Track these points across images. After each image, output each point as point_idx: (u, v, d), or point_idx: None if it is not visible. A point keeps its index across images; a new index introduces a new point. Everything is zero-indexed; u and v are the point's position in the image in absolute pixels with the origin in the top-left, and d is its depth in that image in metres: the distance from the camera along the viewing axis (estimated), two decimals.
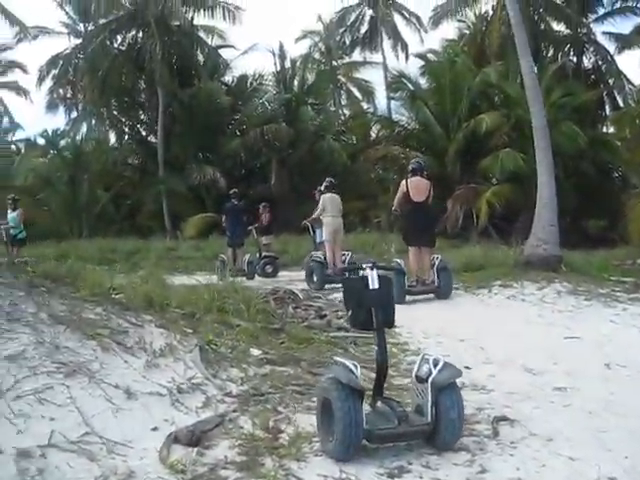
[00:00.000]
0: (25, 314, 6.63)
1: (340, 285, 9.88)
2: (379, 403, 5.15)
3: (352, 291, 5.33)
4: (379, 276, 5.12)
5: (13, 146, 45.38)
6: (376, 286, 5.07)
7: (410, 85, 30.66)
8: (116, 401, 5.81)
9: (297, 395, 6.37)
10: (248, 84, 35.18)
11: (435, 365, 4.93)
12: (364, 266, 5.21)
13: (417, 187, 12.53)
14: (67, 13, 40.13)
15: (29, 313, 6.66)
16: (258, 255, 18.76)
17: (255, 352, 7.59)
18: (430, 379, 4.87)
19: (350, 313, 5.33)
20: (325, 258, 14.91)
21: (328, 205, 15.44)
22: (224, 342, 7.60)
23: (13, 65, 49.31)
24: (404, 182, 12.72)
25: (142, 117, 36.59)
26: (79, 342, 6.50)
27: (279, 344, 8.17)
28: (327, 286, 14.25)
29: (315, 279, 14.93)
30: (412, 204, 12.52)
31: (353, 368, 4.91)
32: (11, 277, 7.12)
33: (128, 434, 5.33)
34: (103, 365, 6.28)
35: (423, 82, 31.28)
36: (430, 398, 4.83)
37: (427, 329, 9.60)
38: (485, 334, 9.36)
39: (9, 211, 18.17)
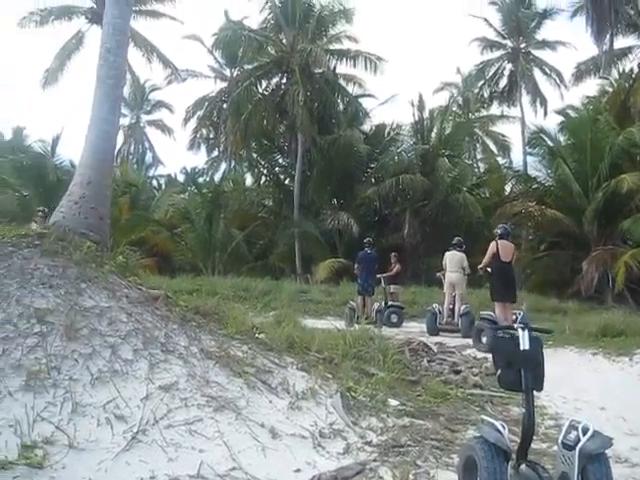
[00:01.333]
0: (178, 347, 6.93)
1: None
2: (523, 466, 5.03)
3: (502, 350, 5.26)
4: (530, 337, 5.05)
5: (154, 181, 47.57)
6: (527, 347, 4.99)
7: (549, 141, 30.06)
8: (261, 439, 5.97)
9: (436, 450, 6.32)
10: (386, 133, 35.50)
11: (584, 432, 4.76)
12: (515, 326, 5.15)
13: (505, 249, 13.53)
14: (215, 58, 42.10)
15: (182, 346, 6.96)
16: (384, 304, 18.74)
17: (393, 402, 7.60)
18: (578, 447, 4.68)
19: (499, 372, 5.25)
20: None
21: (447, 261, 16.66)
22: (363, 390, 7.64)
23: (161, 105, 52.09)
24: (494, 244, 13.61)
25: (280, 161, 37.51)
26: (227, 378, 6.73)
27: (416, 396, 8.14)
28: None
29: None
30: (500, 263, 13.46)
31: (501, 428, 4.83)
32: (166, 310, 7.45)
33: (272, 473, 5.46)
34: (249, 402, 6.48)
35: (562, 139, 30.64)
36: (577, 467, 4.65)
37: (565, 393, 9.33)
38: (627, 404, 8.98)
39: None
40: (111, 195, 9.67)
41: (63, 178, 26.79)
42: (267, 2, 34.32)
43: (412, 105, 34.50)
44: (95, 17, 32.90)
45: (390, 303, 19.02)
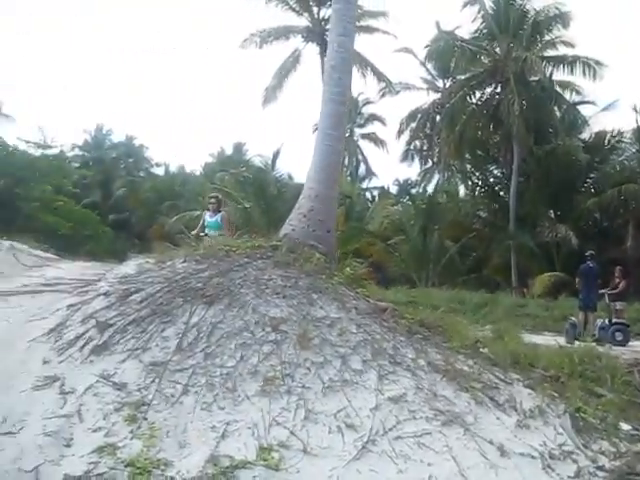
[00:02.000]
0: (406, 359, 6.99)
1: None
2: None
3: None
4: None
5: (368, 193, 48.39)
6: None
7: None
8: (490, 456, 5.88)
9: None
10: (606, 141, 33.81)
11: None
12: None
13: None
14: (428, 70, 42.18)
15: (409, 358, 7.01)
16: (608, 321, 17.86)
17: (625, 427, 7.19)
18: None
19: None
20: None
21: None
22: (592, 412, 7.29)
23: (374, 118, 52.86)
24: None
25: (495, 171, 36.86)
26: (454, 392, 6.70)
27: None
28: None
29: None
30: None
31: None
32: (393, 322, 7.55)
33: None
34: (477, 418, 6.41)
35: None
36: None
37: None
38: None
39: (208, 213, 12.66)
40: (337, 208, 9.93)
41: (282, 191, 27.99)
42: (479, 11, 33.84)
43: (635, 111, 32.53)
44: (310, 35, 34.18)
45: (614, 320, 18.05)
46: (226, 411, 6.07)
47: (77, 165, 51.89)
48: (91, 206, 44.01)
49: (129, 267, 8.32)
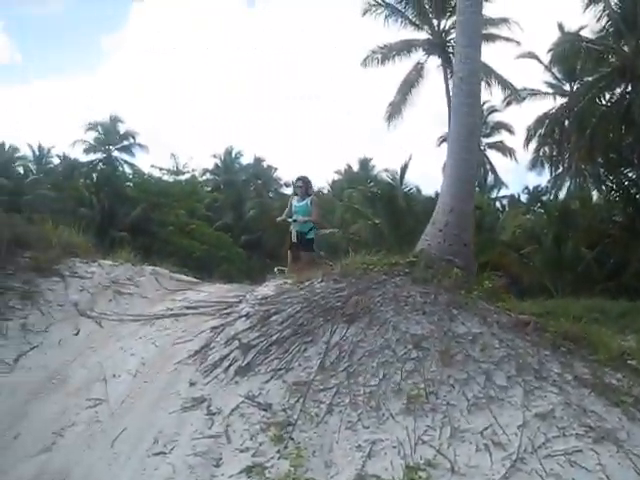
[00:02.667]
0: (552, 373, 6.75)
1: None
2: None
3: None
4: None
5: (497, 203, 47.50)
6: None
7: None
8: None
9: None
10: None
11: None
12: None
13: None
14: (553, 74, 41.02)
15: (555, 373, 6.76)
16: None
17: None
18: None
19: None
20: None
21: None
22: None
23: (500, 126, 51.92)
24: None
25: (629, 174, 35.39)
26: (604, 407, 6.39)
27: None
28: None
29: None
30: None
31: None
32: (536, 335, 7.31)
33: None
34: (630, 435, 6.08)
35: None
36: None
37: None
38: None
39: (296, 198, 11.91)
40: (474, 221, 9.76)
41: (412, 205, 27.83)
42: (604, 9, 32.62)
43: None
44: (431, 48, 33.93)
45: None
46: (371, 430, 6.05)
47: (209, 189, 53.67)
48: (224, 228, 45.44)
49: (268, 288, 8.45)
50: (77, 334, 8.05)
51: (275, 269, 11.68)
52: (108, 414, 6.55)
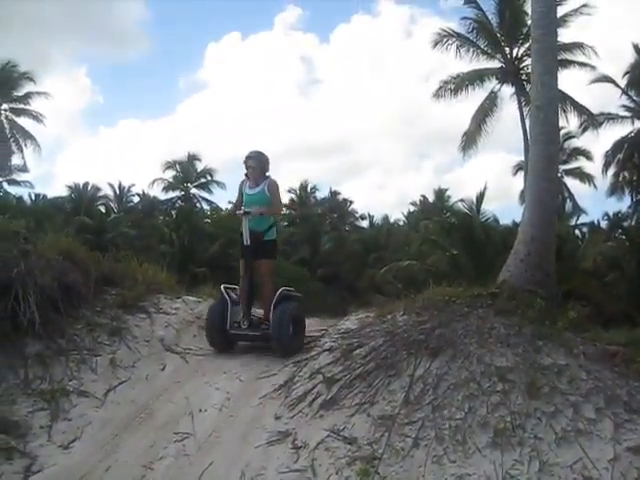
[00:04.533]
0: None
1: None
2: None
3: None
4: None
5: (577, 230, 46.52)
6: None
7: None
8: None
9: None
10: None
11: None
12: None
13: None
14: (630, 97, 40.16)
15: None
16: None
17: None
18: None
19: None
20: None
21: None
22: None
23: (577, 152, 50.96)
24: None
25: None
26: None
27: None
28: None
29: None
30: None
31: None
32: (624, 366, 7.12)
33: None
34: None
35: None
36: None
37: None
38: None
39: (248, 184, 8.74)
40: (555, 251, 9.63)
41: (490, 235, 27.47)
42: None
43: None
44: (504, 76, 33.68)
45: None
46: (457, 464, 6.00)
47: (285, 223, 54.24)
48: (300, 262, 45.72)
49: (350, 322, 8.49)
50: (163, 369, 8.20)
51: (222, 286, 8.80)
52: (195, 448, 6.62)
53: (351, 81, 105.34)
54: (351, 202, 59.93)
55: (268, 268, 8.60)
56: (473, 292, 8.31)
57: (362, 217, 60.22)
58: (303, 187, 57.80)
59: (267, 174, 8.70)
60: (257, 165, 8.58)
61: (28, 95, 47.62)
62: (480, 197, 32.24)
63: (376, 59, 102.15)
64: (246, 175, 8.72)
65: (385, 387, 6.88)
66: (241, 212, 8.50)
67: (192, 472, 6.26)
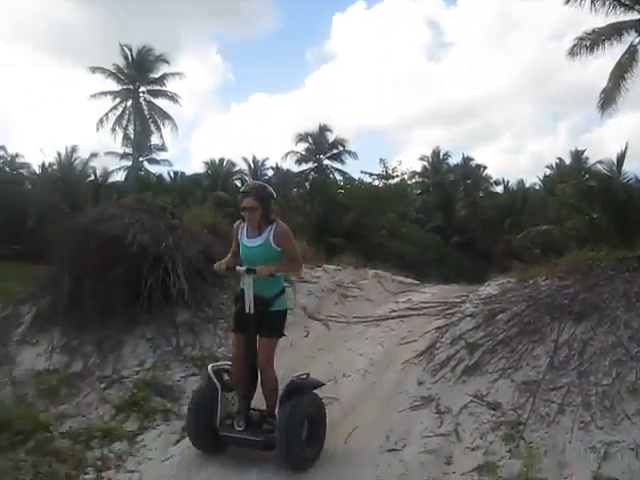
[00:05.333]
0: None
1: None
2: None
3: None
4: None
5: None
6: None
7: None
8: None
9: None
10: None
11: None
12: None
13: None
14: None
15: None
16: None
17: None
18: None
19: None
20: None
21: None
22: None
23: None
24: None
25: None
26: None
27: None
28: None
29: None
30: None
31: None
32: None
33: None
34: None
35: None
36: None
37: None
38: None
39: (245, 231, 6.05)
40: None
41: (633, 196, 26.31)
42: None
43: None
44: None
45: None
46: (605, 431, 5.86)
47: (418, 192, 53.90)
48: (434, 230, 45.45)
49: (491, 287, 8.43)
50: (307, 336, 8.44)
51: (209, 367, 6.28)
52: (340, 412, 6.77)
53: (480, 43, 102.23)
54: (484, 167, 58.77)
55: (270, 348, 6.06)
56: (618, 255, 8.05)
57: (496, 182, 58.80)
58: (435, 154, 57.08)
59: (272, 216, 5.98)
60: (260, 204, 5.88)
61: (164, 77, 49.86)
62: (621, 158, 30.85)
63: (505, 18, 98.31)
64: (242, 218, 6.09)
65: (529, 352, 6.82)
66: (243, 269, 5.95)
67: (337, 436, 6.40)
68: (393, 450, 6.12)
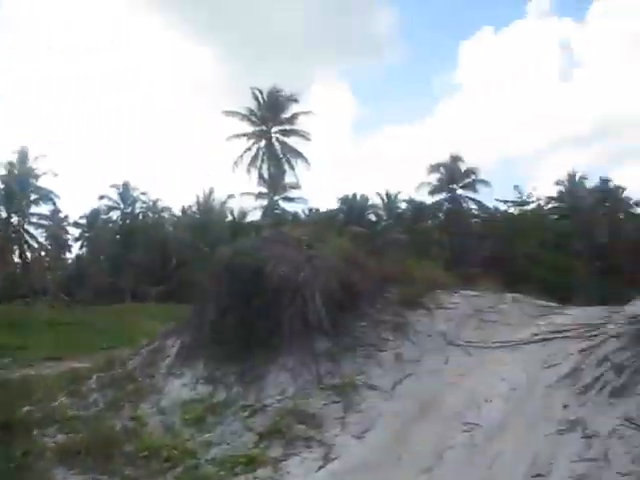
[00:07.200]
0: None
1: None
2: None
3: None
4: None
5: None
6: None
7: None
8: None
9: None
10: None
11: None
12: None
13: None
14: None
15: None
16: None
17: None
18: None
19: None
20: None
21: None
22: None
23: None
24: None
25: None
26: None
27: None
28: None
29: None
30: None
31: None
32: None
33: None
34: None
35: None
36: None
37: None
38: None
39: None
40: None
41: None
42: None
43: None
44: None
45: None
46: None
47: (556, 217, 52.38)
48: (575, 255, 43.95)
49: (637, 307, 8.09)
50: (446, 362, 8.37)
51: None
52: (483, 438, 6.68)
53: (613, 61, 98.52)
54: (623, 189, 56.39)
55: None
56: None
57: (637, 204, 56.24)
58: (571, 177, 55.34)
59: None
60: None
61: (294, 116, 50.83)
62: None
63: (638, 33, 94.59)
64: None
65: None
66: None
67: (481, 462, 6.34)
68: (539, 476, 6.01)
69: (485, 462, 6.35)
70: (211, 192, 56.22)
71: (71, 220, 62.09)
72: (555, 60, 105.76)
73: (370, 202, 58.81)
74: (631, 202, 56.25)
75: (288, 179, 52.00)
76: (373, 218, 57.76)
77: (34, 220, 53.94)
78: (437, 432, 7.11)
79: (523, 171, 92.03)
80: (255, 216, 53.54)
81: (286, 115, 51.53)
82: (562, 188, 55.39)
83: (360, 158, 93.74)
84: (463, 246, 38.57)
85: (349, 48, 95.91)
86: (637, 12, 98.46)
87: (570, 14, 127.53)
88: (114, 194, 58.63)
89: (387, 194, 58.71)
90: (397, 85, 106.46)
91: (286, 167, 51.11)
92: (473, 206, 51.30)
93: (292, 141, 51.55)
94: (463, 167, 53.50)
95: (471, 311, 9.35)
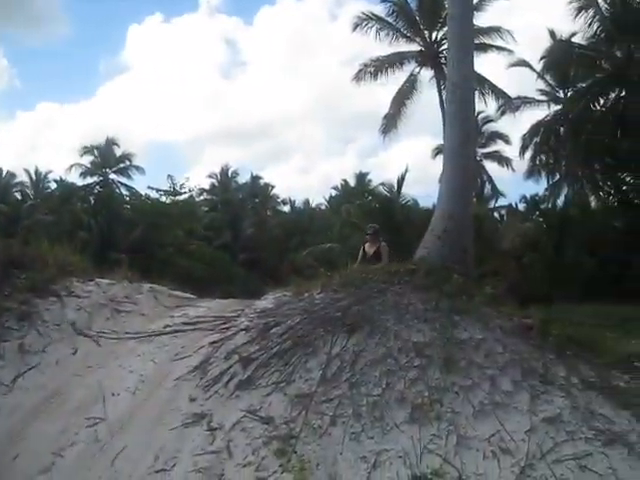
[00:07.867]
0: (557, 377, 6.64)
1: None
2: None
3: None
4: None
5: (495, 213, 47.40)
6: None
7: None
8: None
9: None
10: None
11: None
12: None
13: None
14: (546, 81, 40.91)
15: (561, 377, 6.66)
16: None
17: None
18: None
19: None
20: None
21: None
22: None
23: (495, 136, 51.84)
24: None
25: (628, 179, 35.26)
26: (612, 410, 6.29)
27: None
28: None
29: None
30: None
31: None
32: (540, 339, 7.20)
33: None
34: None
35: None
36: None
37: None
38: None
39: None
40: (472, 227, 9.68)
41: (410, 217, 27.72)
42: (595, 15, 32.60)
43: None
44: (424, 60, 33.89)
45: None
46: (375, 440, 5.97)
47: (206, 209, 53.60)
48: (222, 247, 45.30)
49: (267, 301, 8.37)
50: (75, 353, 7.92)
51: None
52: (108, 433, 6.43)
53: (275, 65, 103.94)
54: (272, 187, 59.77)
55: None
56: (390, 269, 8.28)
57: (284, 202, 60.08)
58: (224, 172, 57.23)
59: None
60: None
61: None
62: (400, 181, 32.49)
63: (301, 42, 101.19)
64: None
65: (302, 365, 6.79)
66: None
67: (104, 458, 6.09)
68: (162, 470, 5.89)
69: (108, 458, 6.06)
70: None
71: None
72: (222, 56, 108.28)
73: (17, 179, 55.18)
74: (278, 200, 59.88)
75: None
76: (19, 196, 54.26)
77: None
78: (59, 428, 6.67)
79: (181, 161, 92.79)
80: None
81: None
82: (215, 181, 57.03)
83: (10, 132, 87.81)
84: (112, 231, 37.74)
85: (6, 14, 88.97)
86: (299, 20, 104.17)
87: (239, 14, 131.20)
88: None
89: (36, 172, 55.57)
90: (60, 61, 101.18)
91: None
92: (125, 192, 50.72)
93: None
94: (119, 152, 52.59)
95: (105, 300, 8.95)
